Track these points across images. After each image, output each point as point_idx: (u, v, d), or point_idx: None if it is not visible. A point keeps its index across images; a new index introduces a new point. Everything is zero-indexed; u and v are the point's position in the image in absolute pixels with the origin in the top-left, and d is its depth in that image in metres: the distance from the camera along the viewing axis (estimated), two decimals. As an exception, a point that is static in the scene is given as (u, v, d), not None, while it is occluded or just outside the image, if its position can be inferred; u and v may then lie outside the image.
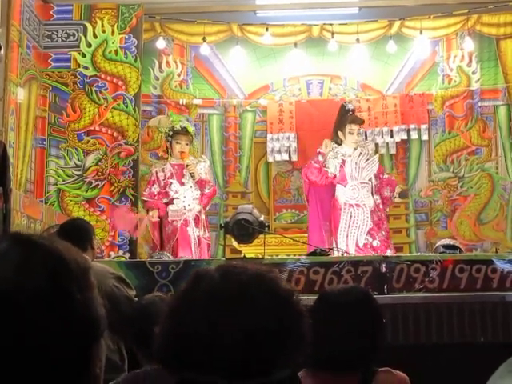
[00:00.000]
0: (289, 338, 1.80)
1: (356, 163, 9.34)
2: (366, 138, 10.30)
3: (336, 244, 9.13)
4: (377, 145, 10.62)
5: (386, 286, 6.31)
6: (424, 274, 6.34)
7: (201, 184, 9.21)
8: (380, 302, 3.45)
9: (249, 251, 8.19)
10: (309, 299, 2.03)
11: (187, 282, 1.89)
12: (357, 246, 9.09)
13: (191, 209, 9.18)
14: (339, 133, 9.55)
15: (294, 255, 7.72)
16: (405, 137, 10.84)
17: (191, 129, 9.60)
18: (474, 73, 10.97)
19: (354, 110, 9.53)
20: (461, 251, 8.27)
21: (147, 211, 9.43)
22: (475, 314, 5.99)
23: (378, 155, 9.60)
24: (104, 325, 1.38)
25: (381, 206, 9.35)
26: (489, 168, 10.82)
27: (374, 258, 6.91)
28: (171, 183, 9.27)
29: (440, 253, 7.84)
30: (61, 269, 1.31)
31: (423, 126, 11.02)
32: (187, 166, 9.18)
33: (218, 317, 1.74)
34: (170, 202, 9.24)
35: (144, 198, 9.48)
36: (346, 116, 9.49)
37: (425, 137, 11.01)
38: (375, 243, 9.13)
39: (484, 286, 6.30)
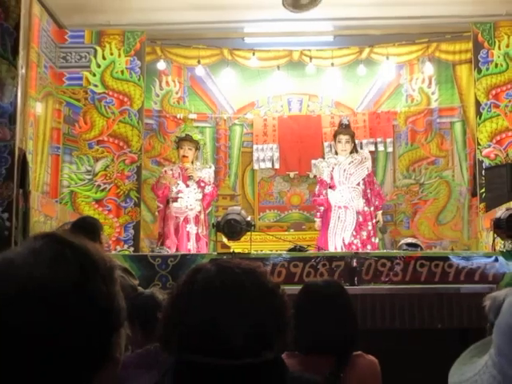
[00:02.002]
0: (275, 324, 1.81)
1: (345, 170, 9.41)
2: (361, 148, 10.31)
3: (326, 241, 9.20)
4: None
5: (356, 279, 6.32)
6: (389, 269, 6.35)
7: (200, 184, 9.23)
8: (351, 292, 3.47)
9: (237, 246, 8.18)
10: (289, 289, 2.03)
11: (186, 275, 1.90)
12: (343, 243, 9.13)
13: (192, 208, 9.18)
14: (333, 143, 9.86)
15: (277, 251, 7.70)
16: (372, 148, 10.84)
17: (197, 137, 9.67)
18: (433, 93, 11.00)
19: (347, 125, 9.69)
20: (421, 249, 8.28)
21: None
22: (433, 304, 6.00)
23: (368, 163, 9.61)
24: (124, 316, 1.38)
25: (366, 209, 9.35)
26: (446, 176, 10.85)
27: (345, 254, 6.91)
28: (178, 183, 9.26)
29: (403, 250, 7.85)
30: (89, 266, 1.31)
31: (388, 140, 11.04)
32: (186, 169, 9.21)
33: (214, 305, 1.75)
34: (175, 199, 9.22)
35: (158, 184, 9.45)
36: (338, 128, 9.69)
37: (390, 149, 11.03)
38: (356, 241, 9.16)
39: (441, 279, 6.32)
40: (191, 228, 9.15)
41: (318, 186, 9.68)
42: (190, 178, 9.21)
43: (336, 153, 9.66)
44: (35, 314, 1.23)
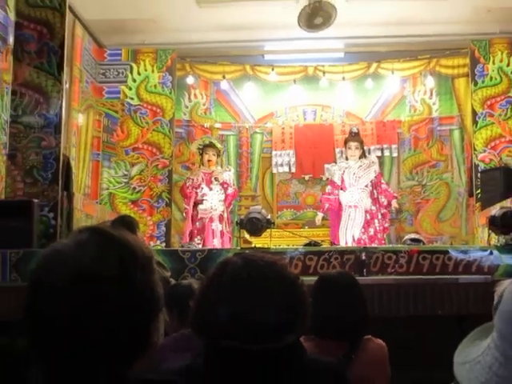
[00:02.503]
0: (296, 311, 1.80)
1: (354, 173, 9.35)
2: (369, 154, 10.28)
3: (337, 238, 9.18)
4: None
5: (365, 270, 6.27)
6: (395, 261, 6.30)
7: (223, 186, 9.21)
8: (361, 282, 3.45)
9: (257, 242, 8.16)
10: (304, 280, 2.03)
11: (215, 267, 1.90)
12: (353, 239, 9.10)
13: (216, 209, 9.15)
14: (343, 149, 9.84)
15: (293, 245, 7.68)
16: (379, 154, 10.81)
17: (218, 145, 9.62)
18: (434, 104, 10.95)
19: (355, 133, 9.61)
20: (423, 243, 8.24)
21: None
22: (435, 293, 5.96)
23: (375, 166, 9.55)
24: (162, 302, 1.37)
25: (373, 208, 9.30)
26: (446, 178, 10.79)
27: (355, 248, 6.86)
28: (202, 187, 9.24)
29: (407, 244, 7.81)
30: (129, 256, 1.31)
31: (393, 146, 11.00)
32: (212, 172, 9.21)
33: (241, 295, 1.75)
34: (200, 202, 9.21)
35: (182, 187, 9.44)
36: (348, 136, 9.66)
37: (395, 154, 10.99)
38: (364, 237, 9.11)
39: (442, 271, 6.26)
40: (216, 226, 9.14)
41: (329, 187, 9.65)
42: (215, 179, 9.19)
43: (346, 158, 9.63)
44: (81, 302, 1.23)
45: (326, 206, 9.51)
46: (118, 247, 1.31)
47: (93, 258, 1.26)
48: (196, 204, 9.23)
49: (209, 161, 9.33)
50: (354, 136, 9.56)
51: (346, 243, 8.97)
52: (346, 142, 9.64)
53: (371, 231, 9.19)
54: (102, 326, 1.23)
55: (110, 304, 1.24)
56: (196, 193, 9.23)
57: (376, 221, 9.28)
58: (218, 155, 9.58)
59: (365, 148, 9.90)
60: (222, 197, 9.26)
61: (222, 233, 9.15)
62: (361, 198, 9.29)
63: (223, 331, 1.73)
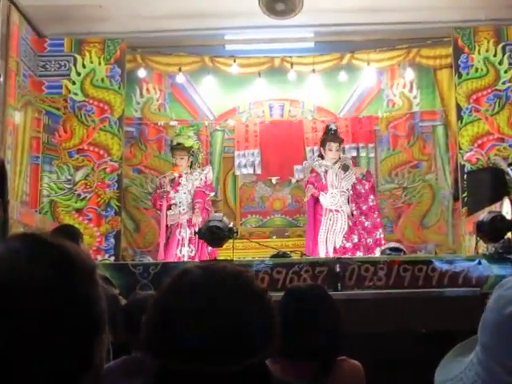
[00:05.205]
0: (261, 329, 1.77)
1: (336, 174, 9.33)
2: (343, 153, 10.25)
3: (315, 248, 9.17)
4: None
5: (339, 284, 6.30)
6: (373, 273, 6.34)
7: (203, 192, 9.28)
8: (335, 298, 3.42)
9: (219, 254, 8.16)
10: (272, 296, 2.02)
11: (172, 278, 1.85)
12: (334, 247, 9.08)
13: (185, 213, 9.16)
14: (321, 149, 9.68)
15: (259, 257, 7.67)
16: (355, 154, 10.87)
17: (190, 143, 9.62)
18: (414, 98, 11.04)
19: (335, 130, 9.59)
20: (404, 253, 8.28)
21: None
22: (417, 308, 6.00)
23: (354, 169, 9.58)
24: (105, 321, 1.33)
25: (355, 213, 9.28)
26: (429, 179, 10.88)
27: (328, 260, 6.90)
28: (169, 192, 9.24)
29: (387, 255, 7.85)
30: (67, 265, 1.27)
31: (370, 145, 11.07)
32: (179, 176, 9.26)
33: (199, 307, 1.71)
34: (169, 207, 9.22)
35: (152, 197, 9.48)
36: (327, 135, 9.59)
37: (372, 154, 11.05)
38: (348, 245, 9.11)
39: (425, 284, 6.32)
40: (184, 233, 9.10)
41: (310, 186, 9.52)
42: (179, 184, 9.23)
43: (322, 158, 9.59)
44: (11, 315, 1.20)
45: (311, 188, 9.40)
46: (55, 256, 1.28)
47: (25, 266, 1.23)
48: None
49: (174, 165, 9.36)
50: (334, 134, 9.54)
51: (327, 253, 8.95)
52: (324, 141, 9.58)
53: (355, 238, 9.17)
54: (31, 341, 1.20)
55: (40, 317, 1.20)
56: (162, 196, 9.21)
57: (359, 227, 9.25)
58: (191, 155, 9.58)
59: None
60: (190, 200, 9.25)
61: (191, 239, 9.06)
62: (343, 201, 9.27)
63: (178, 351, 1.69)
